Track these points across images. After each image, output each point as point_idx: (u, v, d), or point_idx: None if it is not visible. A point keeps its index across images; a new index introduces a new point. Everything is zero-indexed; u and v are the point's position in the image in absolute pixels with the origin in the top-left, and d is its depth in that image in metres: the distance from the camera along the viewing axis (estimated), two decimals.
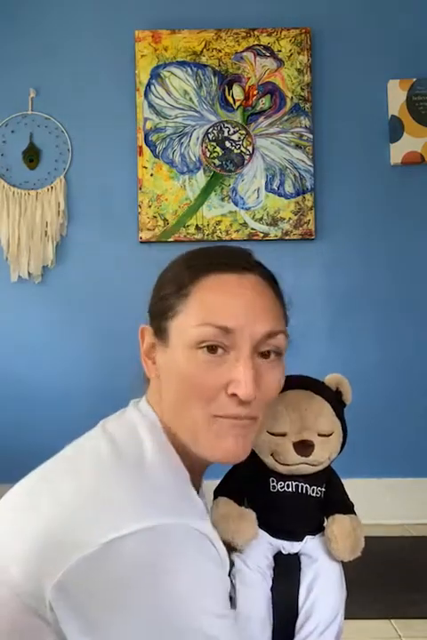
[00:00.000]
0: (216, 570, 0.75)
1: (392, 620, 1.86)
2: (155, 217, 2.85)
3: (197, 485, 0.89)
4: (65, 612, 0.69)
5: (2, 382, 2.83)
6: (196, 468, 0.87)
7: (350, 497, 1.01)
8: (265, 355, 0.84)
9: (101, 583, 0.68)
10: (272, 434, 0.96)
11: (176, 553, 0.70)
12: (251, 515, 0.95)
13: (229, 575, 0.94)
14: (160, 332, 0.86)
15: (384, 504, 2.75)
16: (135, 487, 0.74)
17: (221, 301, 0.83)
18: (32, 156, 2.87)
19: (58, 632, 0.70)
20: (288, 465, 0.95)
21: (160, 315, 0.87)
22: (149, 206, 2.85)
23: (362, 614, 1.86)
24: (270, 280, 0.89)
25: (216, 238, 2.83)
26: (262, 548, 0.96)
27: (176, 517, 0.72)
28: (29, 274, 2.85)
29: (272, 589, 0.95)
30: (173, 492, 0.77)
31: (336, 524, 0.95)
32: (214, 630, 0.71)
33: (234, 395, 0.81)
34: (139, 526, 0.69)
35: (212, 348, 0.81)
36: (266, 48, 2.87)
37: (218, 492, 0.98)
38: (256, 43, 2.87)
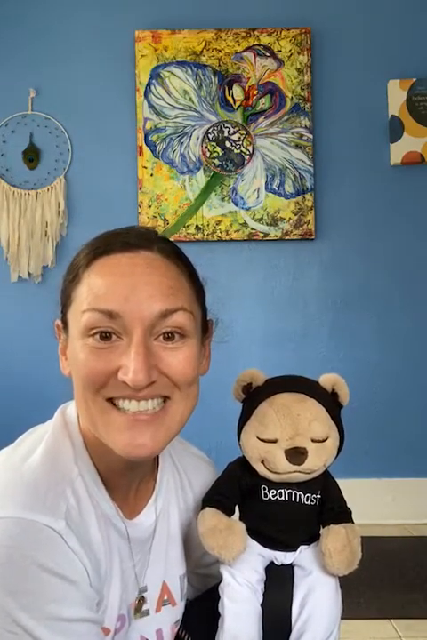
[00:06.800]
0: (56, 569, 0.72)
1: (392, 620, 1.86)
2: (155, 217, 2.84)
3: (123, 483, 0.86)
4: None
5: (2, 382, 2.83)
6: (118, 465, 0.83)
7: (348, 501, 0.96)
8: (168, 337, 0.79)
9: None
10: (262, 440, 0.90)
11: (7, 545, 0.71)
12: (240, 527, 0.90)
13: (218, 590, 0.92)
14: (65, 325, 0.85)
15: (384, 504, 2.75)
16: (3, 480, 0.78)
17: (105, 284, 0.78)
18: (32, 155, 2.87)
19: None
20: (279, 473, 0.90)
21: (62, 306, 0.85)
22: (149, 206, 2.85)
23: (362, 614, 1.86)
24: (174, 256, 0.84)
25: (216, 238, 2.82)
26: (253, 560, 0.91)
27: (22, 512, 0.73)
28: (29, 274, 2.85)
29: (263, 603, 0.90)
30: (34, 489, 0.76)
31: (331, 537, 0.89)
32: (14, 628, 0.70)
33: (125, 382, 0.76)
34: None
35: (104, 336, 0.77)
36: (266, 48, 2.87)
37: (206, 502, 0.93)
38: (256, 43, 2.87)
